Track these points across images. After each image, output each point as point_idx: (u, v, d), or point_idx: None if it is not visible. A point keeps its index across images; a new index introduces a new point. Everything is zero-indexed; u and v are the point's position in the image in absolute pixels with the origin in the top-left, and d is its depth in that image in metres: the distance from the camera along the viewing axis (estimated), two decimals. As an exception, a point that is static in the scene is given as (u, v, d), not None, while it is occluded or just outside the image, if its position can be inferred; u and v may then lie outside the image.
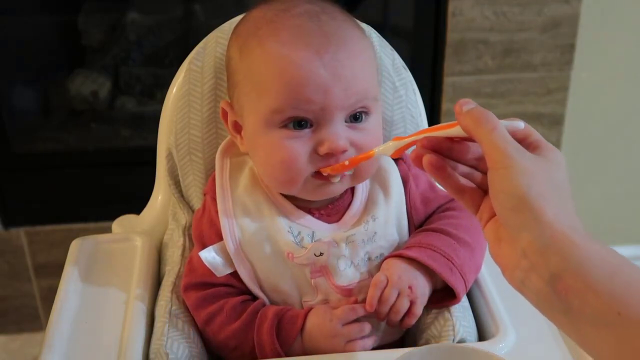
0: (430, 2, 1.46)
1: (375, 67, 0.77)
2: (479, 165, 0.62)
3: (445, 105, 1.53)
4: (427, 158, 0.60)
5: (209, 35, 0.87)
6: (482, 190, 0.61)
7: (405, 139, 0.64)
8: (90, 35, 1.65)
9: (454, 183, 0.61)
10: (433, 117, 1.54)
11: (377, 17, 1.65)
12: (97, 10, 1.65)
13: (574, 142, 1.61)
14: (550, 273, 0.52)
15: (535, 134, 0.59)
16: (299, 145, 0.72)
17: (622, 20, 1.53)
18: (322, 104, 0.71)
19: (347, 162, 0.72)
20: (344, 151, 0.72)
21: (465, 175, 0.62)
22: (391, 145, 0.65)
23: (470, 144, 0.61)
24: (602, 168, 1.68)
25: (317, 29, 0.72)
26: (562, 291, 0.52)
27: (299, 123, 0.72)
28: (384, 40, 0.89)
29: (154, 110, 1.10)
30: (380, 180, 0.81)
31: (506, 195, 0.55)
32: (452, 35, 1.46)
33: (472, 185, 0.62)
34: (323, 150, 0.72)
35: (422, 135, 0.61)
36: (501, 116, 0.60)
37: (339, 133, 0.72)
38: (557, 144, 1.60)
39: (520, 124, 0.59)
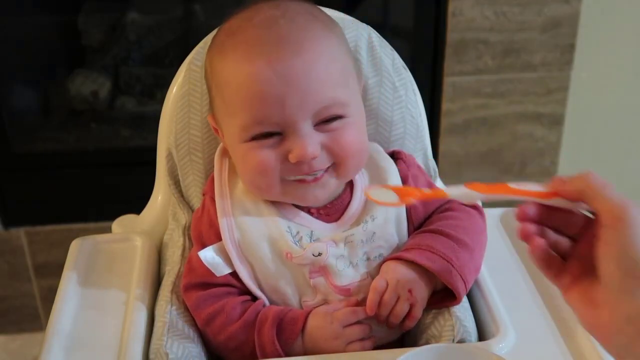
0: (430, 2, 1.46)
1: (347, 66, 0.76)
2: (567, 230, 0.62)
3: (445, 105, 1.53)
4: (538, 243, 0.60)
5: (209, 35, 0.87)
6: (562, 256, 0.62)
7: (486, 193, 0.63)
8: (90, 35, 1.65)
9: (548, 258, 0.62)
10: (433, 117, 1.54)
11: (377, 17, 1.65)
12: (97, 10, 1.65)
13: (574, 142, 1.61)
14: None
15: None
16: (269, 154, 0.73)
17: (622, 20, 1.53)
18: (281, 116, 0.71)
19: (414, 200, 0.68)
20: (314, 157, 0.72)
21: (550, 244, 0.62)
22: (470, 194, 0.63)
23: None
24: (602, 168, 1.68)
25: (273, 35, 0.71)
26: None
27: (267, 134, 0.72)
28: (384, 40, 0.89)
29: (154, 110, 1.10)
30: (379, 180, 0.81)
31: (623, 257, 0.54)
32: (452, 35, 1.46)
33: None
34: (292, 158, 0.72)
35: (506, 195, 0.61)
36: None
37: (306, 140, 0.71)
38: (557, 144, 1.60)
39: None
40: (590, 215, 0.60)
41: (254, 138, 0.73)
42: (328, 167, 0.75)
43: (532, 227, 0.61)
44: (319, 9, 0.78)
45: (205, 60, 0.80)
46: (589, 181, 0.57)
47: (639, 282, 0.53)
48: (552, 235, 0.62)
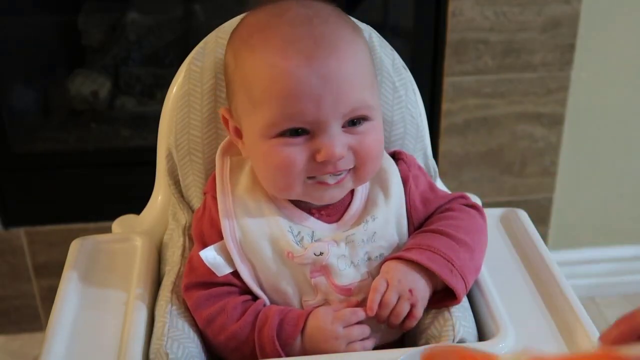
0: (430, 2, 1.46)
1: (372, 70, 0.77)
2: None
3: (445, 105, 1.53)
4: None
5: (209, 35, 0.87)
6: None
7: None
8: (90, 35, 1.65)
9: None
10: (433, 117, 1.54)
11: (377, 17, 1.65)
12: (97, 10, 1.65)
13: (574, 142, 1.61)
14: None
15: None
16: (296, 152, 0.72)
17: (622, 20, 1.53)
18: (315, 114, 0.71)
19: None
20: (341, 158, 0.72)
21: None
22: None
23: None
24: (602, 168, 1.68)
25: (308, 34, 0.71)
26: None
27: (295, 131, 0.72)
28: (384, 40, 0.89)
29: (154, 110, 1.10)
30: (380, 181, 0.81)
31: None
32: (452, 35, 1.46)
33: None
34: (320, 157, 0.72)
35: None
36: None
37: (335, 141, 0.72)
38: (557, 144, 1.60)
39: None
40: None
41: (281, 135, 0.72)
42: (349, 169, 0.75)
43: None
44: (343, 12, 0.78)
45: (226, 55, 0.79)
46: None
47: None
48: None
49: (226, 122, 0.80)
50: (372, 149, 0.75)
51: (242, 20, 0.79)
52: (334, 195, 0.77)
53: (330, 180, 0.74)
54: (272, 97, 0.71)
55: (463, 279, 0.75)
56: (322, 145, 0.72)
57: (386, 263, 0.77)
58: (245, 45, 0.74)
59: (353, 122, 0.73)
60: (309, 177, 0.74)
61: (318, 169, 0.73)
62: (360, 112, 0.73)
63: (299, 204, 0.78)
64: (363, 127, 0.74)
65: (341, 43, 0.72)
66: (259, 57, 0.72)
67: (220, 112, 0.80)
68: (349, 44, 0.73)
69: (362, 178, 0.77)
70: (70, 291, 0.80)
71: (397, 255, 0.76)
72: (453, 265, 0.75)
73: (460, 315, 0.75)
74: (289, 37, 0.71)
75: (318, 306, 0.76)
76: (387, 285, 0.74)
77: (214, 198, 0.79)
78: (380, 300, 0.73)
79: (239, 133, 0.78)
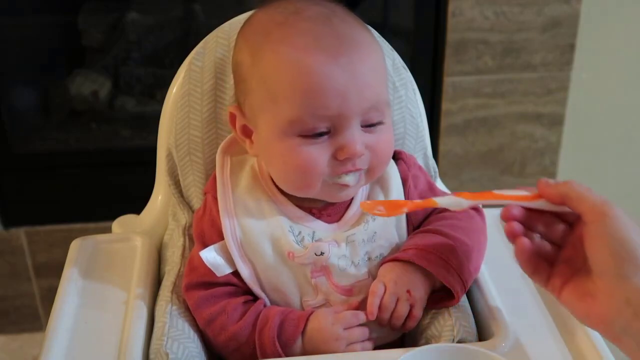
0: (430, 2, 1.46)
1: (385, 69, 0.77)
2: (551, 236, 0.67)
3: (445, 105, 1.53)
4: (524, 243, 0.65)
5: (209, 35, 0.87)
6: (548, 262, 0.66)
7: (472, 200, 0.67)
8: (90, 35, 1.65)
9: (536, 262, 0.66)
10: (433, 117, 1.54)
11: (377, 17, 1.65)
12: (97, 10, 1.65)
13: (574, 142, 1.61)
14: None
15: None
16: (317, 152, 0.72)
17: (622, 20, 1.53)
18: (340, 109, 0.71)
19: (406, 210, 0.71)
20: (361, 155, 0.73)
21: (535, 249, 0.66)
22: (455, 202, 0.67)
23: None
24: (602, 168, 1.68)
25: (330, 31, 0.71)
26: None
27: (317, 133, 0.72)
28: (384, 40, 0.89)
29: (154, 110, 1.10)
30: (380, 181, 0.81)
31: (615, 245, 0.59)
32: (452, 35, 1.46)
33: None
34: (342, 155, 0.72)
35: (492, 201, 0.66)
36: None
37: (356, 138, 0.72)
38: (557, 144, 1.60)
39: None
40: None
41: (302, 134, 0.72)
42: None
43: (518, 226, 0.65)
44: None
45: (238, 53, 0.78)
46: (572, 185, 0.63)
47: (632, 265, 0.57)
48: (537, 240, 0.66)
49: (233, 120, 0.79)
50: (387, 148, 0.76)
51: (252, 17, 0.78)
52: (349, 193, 0.77)
53: (351, 181, 0.74)
54: (296, 92, 0.71)
55: (460, 278, 0.75)
56: (344, 143, 0.72)
57: (382, 266, 0.77)
58: (265, 41, 0.73)
59: (369, 122, 0.74)
60: (329, 177, 0.74)
61: (337, 167, 0.73)
62: (379, 108, 0.74)
63: (300, 204, 0.78)
64: (378, 127, 0.75)
65: (361, 42, 0.73)
66: (281, 53, 0.72)
67: (228, 109, 0.79)
68: (367, 43, 0.74)
69: (373, 178, 0.77)
70: (70, 291, 0.80)
71: (393, 257, 0.76)
72: (449, 264, 0.75)
73: (460, 315, 0.75)
74: (311, 34, 0.71)
75: (319, 306, 0.76)
76: (385, 288, 0.74)
77: (215, 198, 0.79)
78: (380, 304, 0.73)
79: (247, 132, 0.78)
